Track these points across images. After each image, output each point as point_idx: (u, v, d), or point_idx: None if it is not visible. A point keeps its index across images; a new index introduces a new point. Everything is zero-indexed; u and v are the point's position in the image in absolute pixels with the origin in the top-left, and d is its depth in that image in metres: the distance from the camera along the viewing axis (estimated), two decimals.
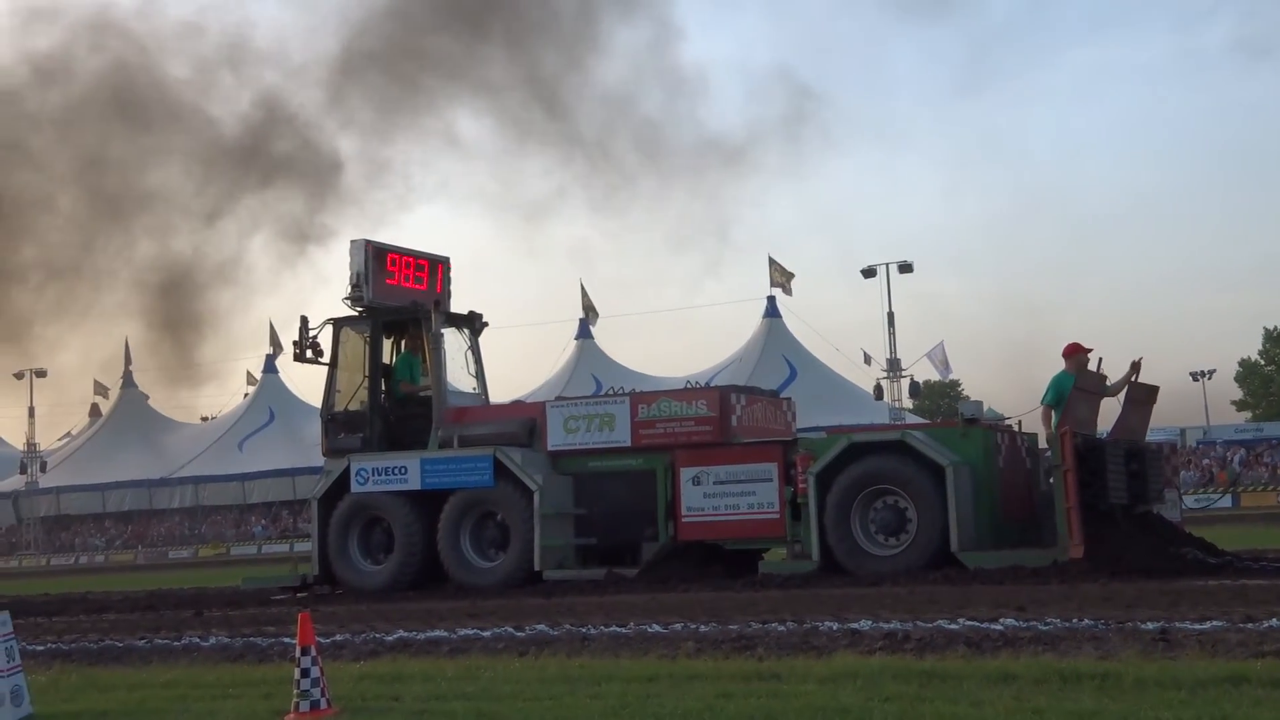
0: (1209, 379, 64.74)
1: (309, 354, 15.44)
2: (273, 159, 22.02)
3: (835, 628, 8.22)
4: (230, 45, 24.03)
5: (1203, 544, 12.65)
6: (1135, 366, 13.17)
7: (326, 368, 15.55)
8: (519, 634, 8.99)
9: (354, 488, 14.81)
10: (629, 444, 14.00)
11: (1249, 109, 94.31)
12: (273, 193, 22.07)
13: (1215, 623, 7.48)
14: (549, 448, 14.36)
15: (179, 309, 23.91)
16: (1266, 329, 68.87)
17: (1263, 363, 70.41)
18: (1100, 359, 13.54)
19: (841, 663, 6.73)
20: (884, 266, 47.44)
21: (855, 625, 8.25)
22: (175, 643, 10.00)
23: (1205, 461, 47.02)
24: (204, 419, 66.51)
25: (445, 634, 9.32)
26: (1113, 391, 13.27)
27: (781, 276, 49.38)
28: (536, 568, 13.86)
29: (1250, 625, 7.32)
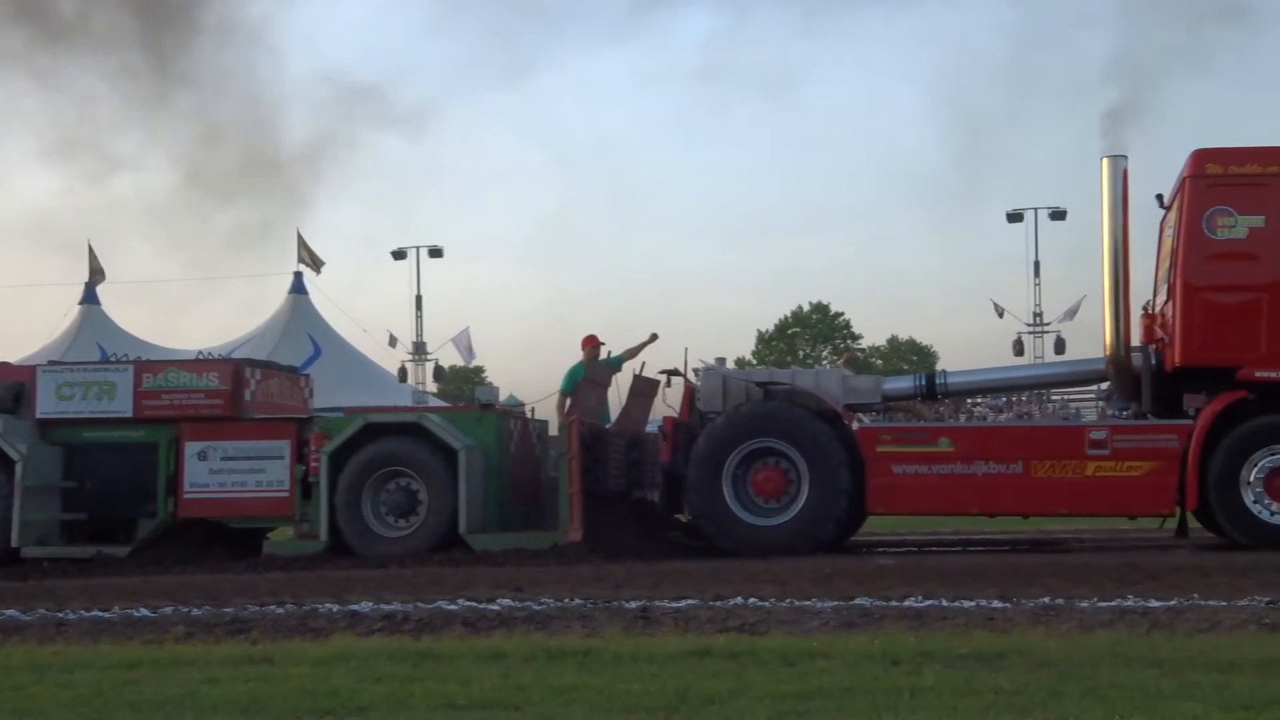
0: None
1: None
2: None
3: (335, 609, 8.18)
4: None
5: (687, 529, 13.71)
6: (652, 338, 14.31)
7: None
8: None
9: None
10: (130, 415, 13.16)
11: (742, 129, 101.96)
12: None
13: (690, 601, 8.14)
14: (38, 415, 13.21)
15: None
16: (759, 331, 75.78)
17: (755, 362, 77.17)
18: (610, 351, 14.49)
19: (337, 645, 6.71)
20: (415, 250, 47.78)
21: (356, 607, 8.24)
22: None
23: None
24: None
25: None
26: (626, 356, 14.30)
27: (309, 255, 48.14)
28: (15, 545, 12.72)
29: (719, 603, 8.02)
